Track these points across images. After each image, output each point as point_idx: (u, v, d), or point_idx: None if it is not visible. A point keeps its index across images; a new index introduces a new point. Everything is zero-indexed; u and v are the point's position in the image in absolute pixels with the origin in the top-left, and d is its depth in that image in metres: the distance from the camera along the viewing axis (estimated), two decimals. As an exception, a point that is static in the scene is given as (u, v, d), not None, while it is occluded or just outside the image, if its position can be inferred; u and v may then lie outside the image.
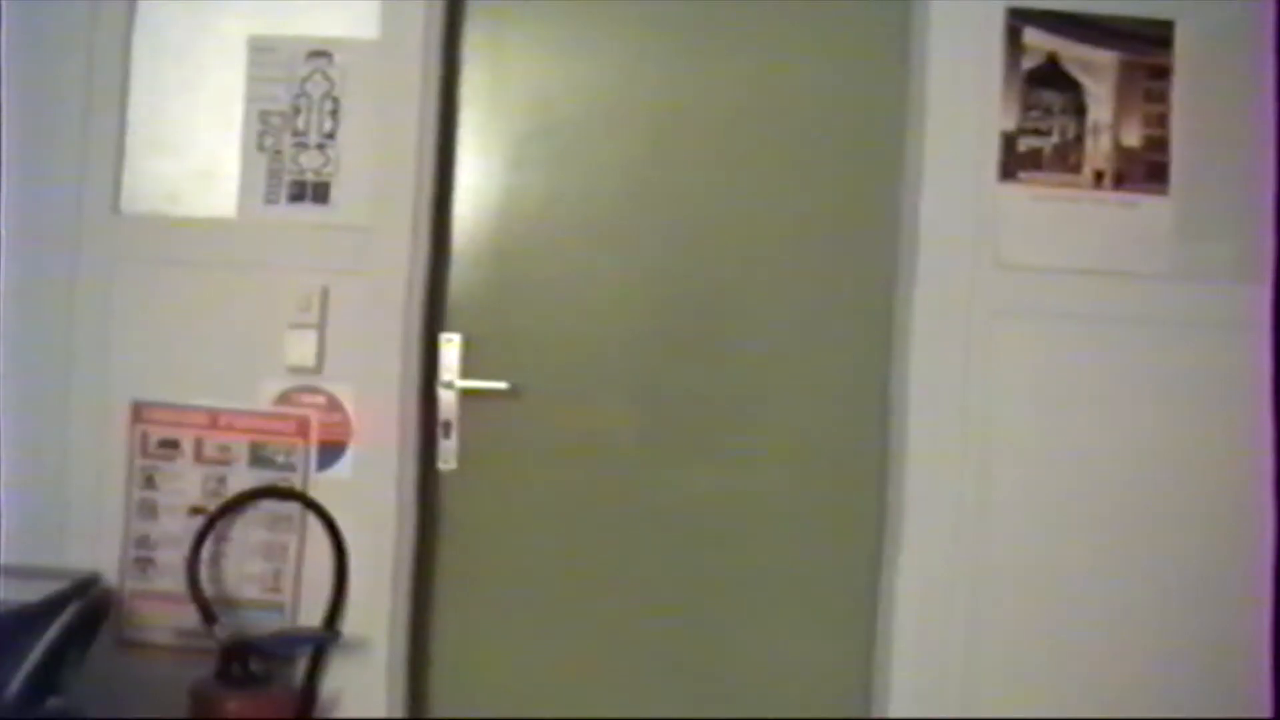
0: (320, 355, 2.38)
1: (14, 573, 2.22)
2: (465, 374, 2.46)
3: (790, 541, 2.50)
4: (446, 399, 2.47)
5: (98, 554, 2.36)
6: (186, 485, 2.39)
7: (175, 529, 2.38)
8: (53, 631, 2.01)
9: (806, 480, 2.50)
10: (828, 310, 2.50)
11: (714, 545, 2.48)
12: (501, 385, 2.44)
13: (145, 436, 2.40)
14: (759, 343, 2.49)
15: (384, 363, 2.37)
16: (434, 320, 2.45)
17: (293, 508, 2.38)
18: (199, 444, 2.40)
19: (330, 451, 2.38)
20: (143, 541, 2.40)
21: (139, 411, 2.40)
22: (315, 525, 2.36)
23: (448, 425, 2.46)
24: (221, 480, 2.38)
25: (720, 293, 2.49)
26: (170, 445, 2.40)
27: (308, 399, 2.39)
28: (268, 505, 2.37)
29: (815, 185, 2.51)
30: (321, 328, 2.37)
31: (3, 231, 2.35)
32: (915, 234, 2.42)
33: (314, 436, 2.37)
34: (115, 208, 2.41)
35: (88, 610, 2.16)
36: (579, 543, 2.48)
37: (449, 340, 2.47)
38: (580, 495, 2.48)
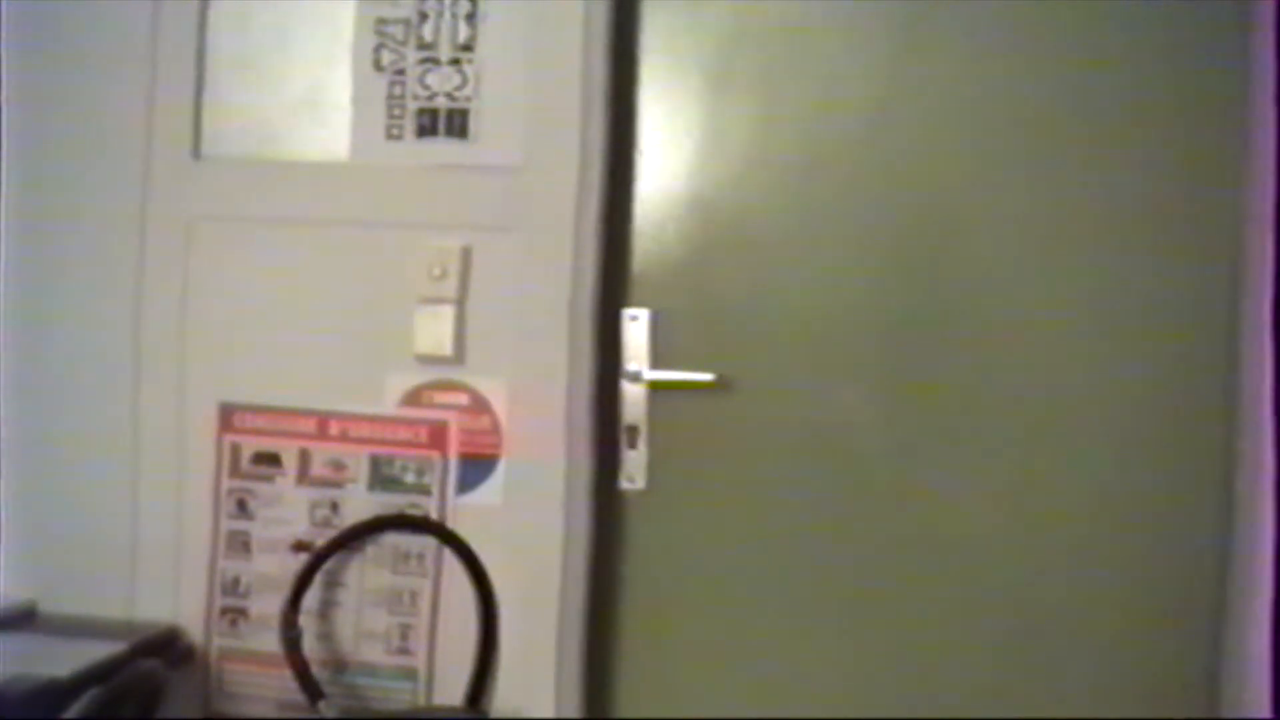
0: (460, 340, 2.05)
1: (66, 629, 2.00)
2: (656, 363, 2.12)
3: (1092, 571, 2.04)
4: (632, 396, 2.12)
5: (177, 602, 2.12)
6: (289, 513, 2.10)
7: (274, 570, 2.09)
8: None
9: (1116, 490, 2.03)
10: (1143, 272, 2.02)
11: (993, 579, 2.05)
12: (705, 377, 2.09)
13: (236, 449, 2.12)
14: (1049, 318, 2.04)
15: (545, 348, 2.04)
16: (612, 291, 2.11)
17: (427, 543, 2.07)
18: (304, 458, 2.09)
19: (475, 467, 2.05)
20: (233, 586, 2.12)
21: (228, 417, 2.12)
22: (455, 566, 2.04)
23: (634, 431, 2.11)
24: (333, 506, 2.09)
25: (995, 253, 2.06)
26: (268, 460, 2.11)
27: (445, 398, 2.06)
28: (394, 539, 2.08)
29: (1121, 99, 2.02)
30: (461, 303, 2.05)
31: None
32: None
33: (454, 448, 2.06)
34: (195, 151, 2.14)
35: (133, 685, 1.82)
36: (809, 585, 2.09)
37: (633, 318, 2.12)
38: (810, 522, 2.09)
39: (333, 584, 2.08)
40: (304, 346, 2.10)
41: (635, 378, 2.11)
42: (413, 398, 2.06)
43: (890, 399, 2.09)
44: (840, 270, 2.09)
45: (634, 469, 2.12)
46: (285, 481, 2.09)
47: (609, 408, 2.11)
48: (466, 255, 2.04)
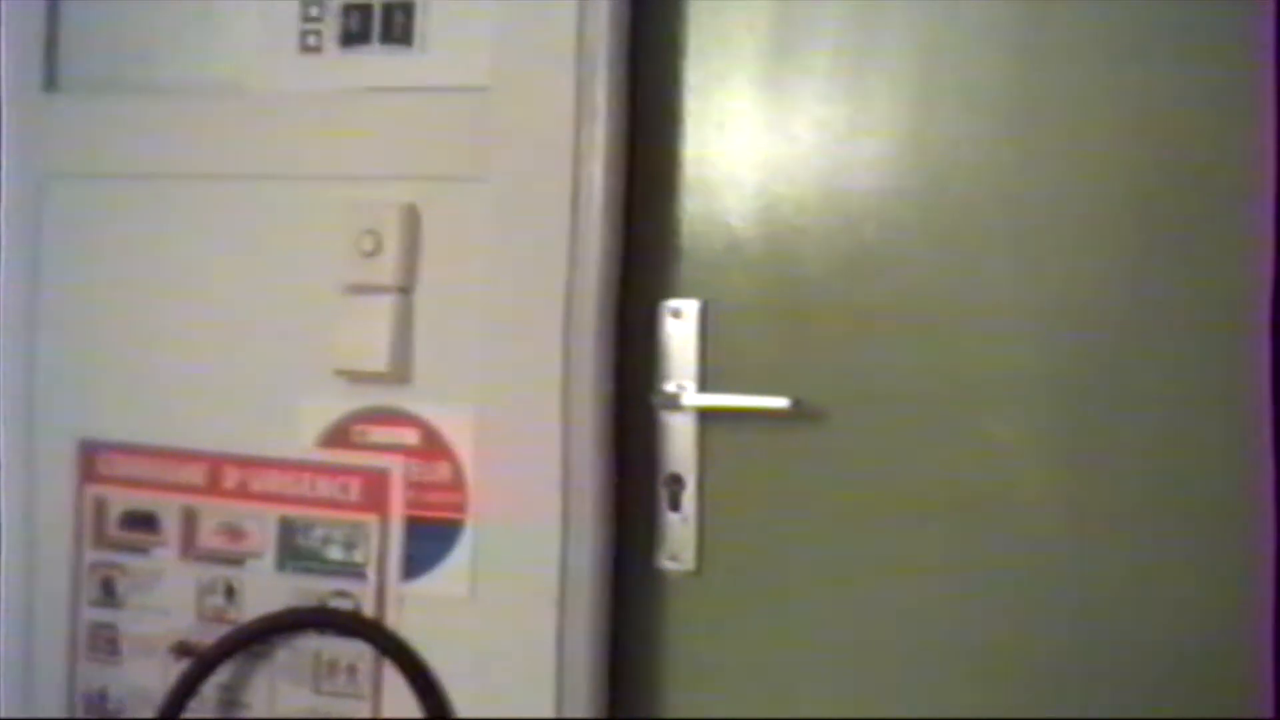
0: (404, 346, 1.57)
1: None
2: (709, 381, 1.59)
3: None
4: (674, 430, 1.60)
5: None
6: (170, 599, 1.64)
7: (151, 680, 1.64)
8: None
9: None
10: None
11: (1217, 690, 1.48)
12: (780, 402, 1.56)
13: (100, 506, 1.67)
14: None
15: (532, 359, 1.54)
16: (640, 272, 1.61)
17: (361, 649, 1.60)
18: (191, 521, 1.63)
19: (430, 539, 1.57)
20: (99, 700, 1.68)
21: (90, 461, 1.67)
22: (399, 683, 1.56)
23: (677, 483, 1.60)
24: (229, 592, 1.62)
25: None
26: (143, 523, 1.65)
27: (383, 434, 1.59)
28: (314, 643, 1.60)
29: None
30: (406, 291, 1.56)
31: None
32: None
33: (397, 508, 1.57)
34: (49, 81, 1.73)
35: None
36: (939, 696, 1.51)
37: (674, 313, 1.59)
38: (942, 622, 1.52)
39: (231, 703, 1.59)
40: (191, 358, 1.63)
41: (674, 403, 1.56)
42: (338, 434, 1.55)
43: (1061, 439, 1.48)
44: (979, 244, 1.50)
45: (677, 541, 1.57)
46: (165, 554, 1.61)
47: (637, 449, 1.59)
48: (412, 218, 1.53)
